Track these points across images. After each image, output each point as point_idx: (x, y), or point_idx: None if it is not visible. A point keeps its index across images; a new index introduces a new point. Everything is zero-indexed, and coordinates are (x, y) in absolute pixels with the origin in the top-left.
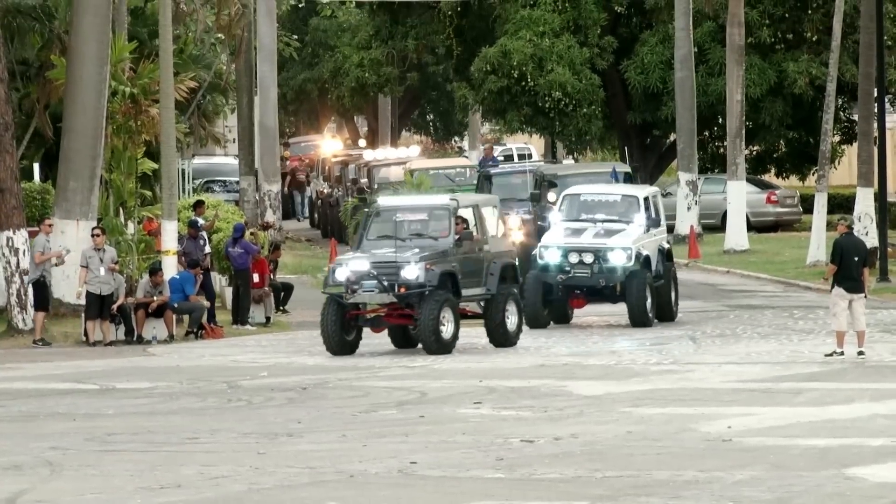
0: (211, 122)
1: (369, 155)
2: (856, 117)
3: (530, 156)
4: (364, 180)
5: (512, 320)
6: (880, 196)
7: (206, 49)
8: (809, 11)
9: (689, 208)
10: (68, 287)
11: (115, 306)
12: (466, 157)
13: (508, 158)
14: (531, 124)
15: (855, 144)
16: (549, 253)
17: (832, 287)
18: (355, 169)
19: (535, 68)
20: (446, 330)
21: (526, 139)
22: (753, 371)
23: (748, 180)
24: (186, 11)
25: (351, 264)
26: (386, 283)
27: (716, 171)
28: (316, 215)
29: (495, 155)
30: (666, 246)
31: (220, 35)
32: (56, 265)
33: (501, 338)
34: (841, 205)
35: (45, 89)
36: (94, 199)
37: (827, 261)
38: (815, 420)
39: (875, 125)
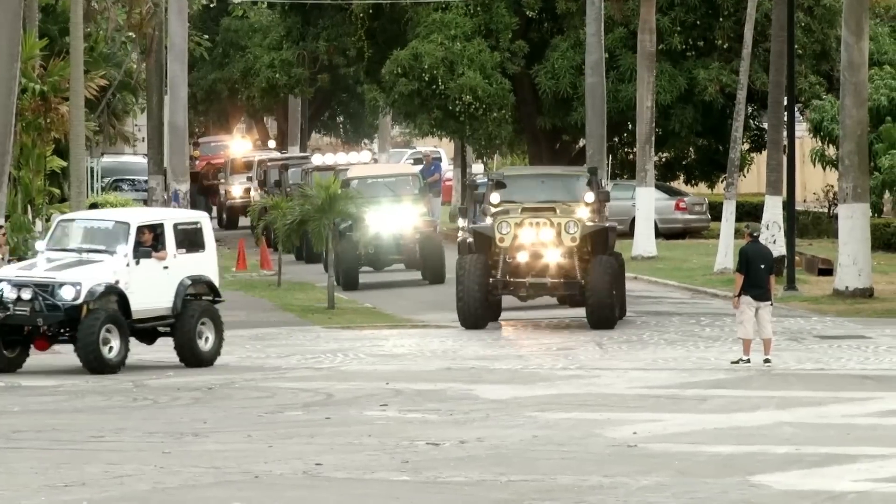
0: (120, 120)
1: (318, 159)
2: (765, 125)
3: (440, 159)
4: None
5: None
6: (788, 205)
7: (117, 47)
8: (721, 19)
9: None
10: None
11: None
12: (376, 160)
13: (418, 162)
14: (441, 128)
15: (764, 153)
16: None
17: (738, 295)
18: (300, 173)
19: (445, 72)
20: None
21: (436, 143)
22: (660, 377)
23: (657, 187)
24: (97, 9)
25: None
26: None
27: (625, 177)
28: (224, 216)
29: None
30: (208, 278)
31: (130, 33)
32: None
33: None
34: (749, 212)
35: None
36: (1, 197)
37: (734, 268)
38: (720, 427)
39: (784, 134)
